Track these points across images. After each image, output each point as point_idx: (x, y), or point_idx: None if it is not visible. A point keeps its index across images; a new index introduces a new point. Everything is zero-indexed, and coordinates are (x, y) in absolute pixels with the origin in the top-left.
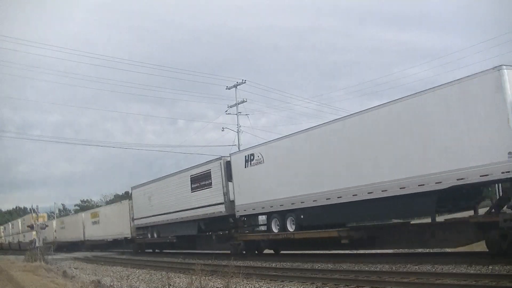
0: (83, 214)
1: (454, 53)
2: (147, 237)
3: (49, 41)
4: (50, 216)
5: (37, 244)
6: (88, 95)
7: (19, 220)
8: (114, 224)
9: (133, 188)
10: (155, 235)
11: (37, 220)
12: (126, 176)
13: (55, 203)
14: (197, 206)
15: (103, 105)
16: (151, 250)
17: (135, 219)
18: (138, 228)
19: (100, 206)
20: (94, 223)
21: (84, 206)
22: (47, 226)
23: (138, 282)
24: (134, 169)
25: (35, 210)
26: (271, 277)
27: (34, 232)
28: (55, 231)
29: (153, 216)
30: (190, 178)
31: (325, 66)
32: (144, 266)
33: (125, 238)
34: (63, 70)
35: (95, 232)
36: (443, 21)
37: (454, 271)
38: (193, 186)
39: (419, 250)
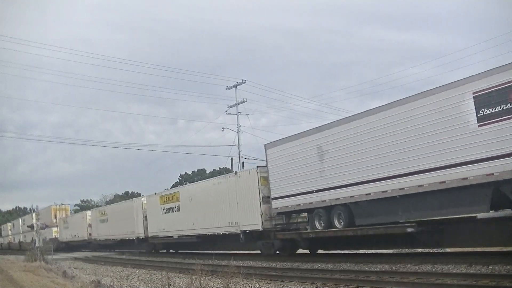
0: (143, 200)
1: (454, 53)
2: (314, 227)
3: (49, 41)
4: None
5: (37, 244)
6: (88, 95)
7: (33, 215)
8: (220, 211)
9: (268, 146)
10: (337, 223)
11: (61, 213)
12: (126, 176)
13: (55, 203)
14: (502, 152)
15: (103, 105)
16: (280, 252)
17: (275, 198)
18: (280, 214)
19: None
20: (167, 211)
21: (84, 206)
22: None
23: (138, 282)
24: (134, 169)
25: (35, 210)
26: (271, 277)
27: (54, 229)
28: (89, 225)
29: (330, 189)
30: (474, 98)
31: (325, 66)
32: (144, 266)
33: (249, 231)
34: (63, 70)
35: (169, 225)
36: (443, 21)
37: (454, 271)
38: (485, 113)
39: (419, 250)
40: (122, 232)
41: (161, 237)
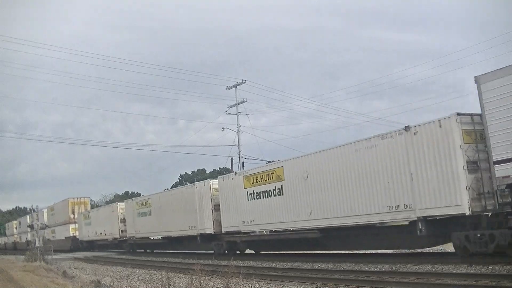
0: (211, 184)
1: (454, 53)
2: None
3: (49, 41)
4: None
5: (37, 244)
6: (88, 95)
7: (44, 211)
8: (370, 189)
9: (484, 79)
10: None
11: (80, 207)
12: (126, 176)
13: (55, 203)
14: None
15: (103, 105)
16: None
17: (501, 161)
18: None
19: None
20: (260, 196)
21: None
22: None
23: (138, 282)
24: (134, 169)
25: (35, 210)
26: (271, 277)
27: (72, 226)
28: (121, 220)
29: None
30: None
31: (325, 66)
32: (144, 266)
33: (435, 218)
34: (63, 70)
35: (263, 216)
36: (443, 21)
37: (454, 271)
38: None
39: (419, 250)
40: (175, 227)
41: (244, 233)
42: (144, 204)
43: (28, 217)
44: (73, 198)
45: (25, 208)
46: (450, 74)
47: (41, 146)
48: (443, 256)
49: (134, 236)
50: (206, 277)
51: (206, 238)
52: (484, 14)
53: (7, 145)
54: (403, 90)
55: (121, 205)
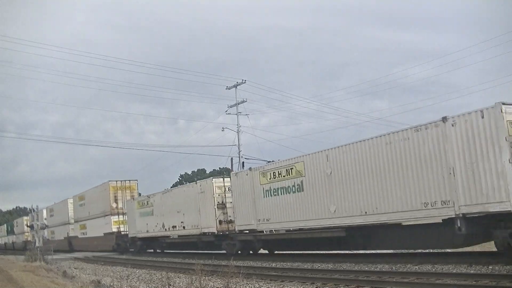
0: (465, 119)
1: (454, 53)
2: None
3: (49, 41)
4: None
5: (37, 244)
6: (88, 95)
7: (69, 202)
8: None
9: None
10: None
11: (125, 193)
12: (126, 176)
13: (55, 203)
14: None
15: (103, 105)
16: None
17: None
18: None
19: None
20: None
21: None
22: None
23: (138, 282)
24: (134, 169)
25: (35, 210)
26: (271, 277)
27: (114, 218)
28: (219, 205)
29: None
30: None
31: (325, 66)
32: (144, 266)
33: None
34: (63, 70)
35: None
36: (443, 21)
37: (454, 271)
38: None
39: (419, 250)
40: (374, 208)
41: None
42: (284, 174)
43: (44, 211)
44: (116, 182)
45: (25, 208)
46: (450, 74)
47: (41, 146)
48: (443, 256)
49: (254, 229)
50: (206, 277)
51: (472, 223)
52: (484, 14)
53: (7, 145)
54: (403, 90)
55: (217, 182)
